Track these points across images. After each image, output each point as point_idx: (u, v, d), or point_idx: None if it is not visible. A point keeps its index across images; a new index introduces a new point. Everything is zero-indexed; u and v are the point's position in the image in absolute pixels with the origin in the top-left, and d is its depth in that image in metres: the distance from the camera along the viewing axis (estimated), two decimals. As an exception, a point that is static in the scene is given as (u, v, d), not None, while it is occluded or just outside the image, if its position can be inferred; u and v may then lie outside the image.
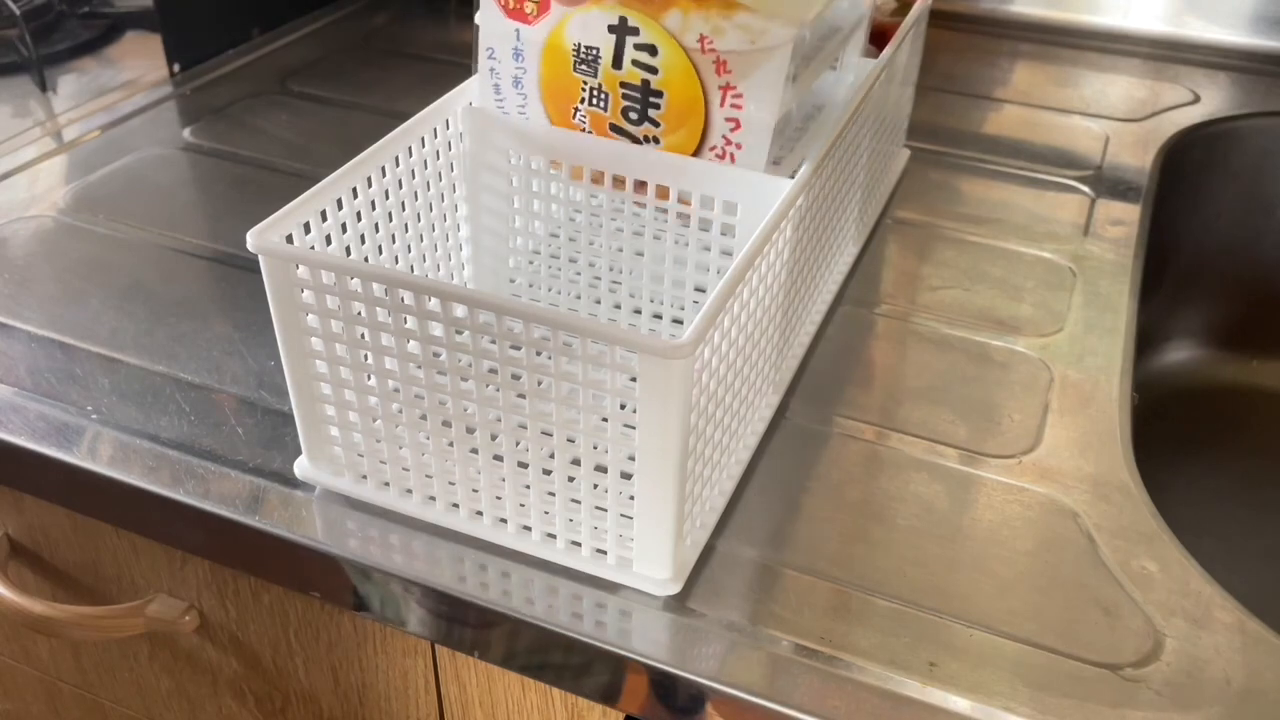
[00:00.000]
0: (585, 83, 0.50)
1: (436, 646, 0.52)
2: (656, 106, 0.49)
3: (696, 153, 0.50)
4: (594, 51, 0.49)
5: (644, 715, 0.44)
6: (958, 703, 0.41)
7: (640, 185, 0.51)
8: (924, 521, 0.48)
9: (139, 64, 0.85)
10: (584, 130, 0.51)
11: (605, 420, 0.40)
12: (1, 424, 0.53)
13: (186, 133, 0.80)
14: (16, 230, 0.68)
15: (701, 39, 0.46)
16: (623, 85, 0.49)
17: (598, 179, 0.52)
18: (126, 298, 0.62)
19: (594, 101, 0.50)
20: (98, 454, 0.51)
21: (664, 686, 0.43)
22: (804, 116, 0.52)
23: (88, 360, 0.57)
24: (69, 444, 0.52)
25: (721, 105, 0.47)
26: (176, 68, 0.87)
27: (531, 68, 0.51)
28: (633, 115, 0.50)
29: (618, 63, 0.48)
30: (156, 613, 0.57)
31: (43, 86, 0.79)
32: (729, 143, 0.48)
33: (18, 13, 0.77)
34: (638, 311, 0.56)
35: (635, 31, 0.47)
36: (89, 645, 0.65)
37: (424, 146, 0.51)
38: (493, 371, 0.41)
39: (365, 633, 0.54)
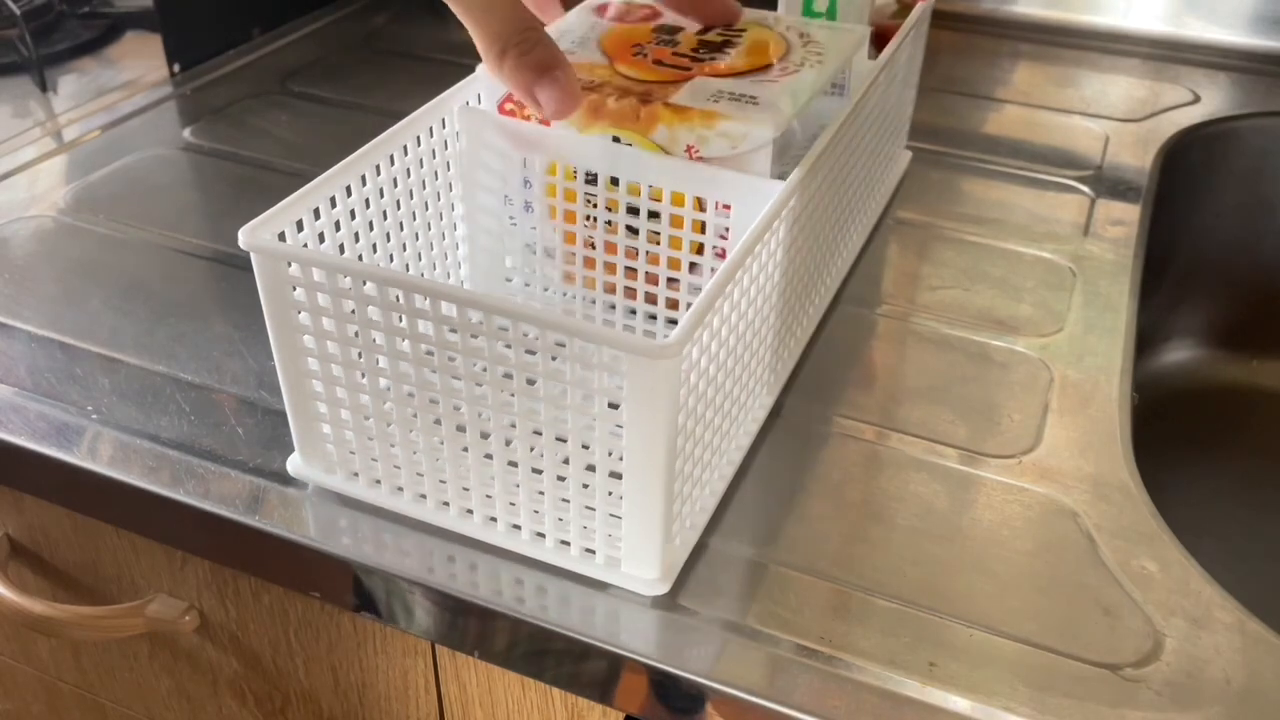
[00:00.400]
0: (590, 199, 0.53)
1: (436, 646, 0.52)
2: (656, 216, 0.52)
3: (694, 269, 0.53)
4: (593, 174, 0.52)
5: (642, 715, 0.44)
6: (958, 703, 0.41)
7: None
8: (924, 521, 0.48)
9: (139, 64, 0.85)
10: (593, 246, 0.55)
11: (594, 420, 0.41)
12: (1, 424, 0.53)
13: (186, 133, 0.80)
14: (16, 230, 0.68)
15: (689, 149, 0.50)
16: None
17: (611, 288, 0.56)
18: (126, 298, 0.62)
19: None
20: (98, 454, 0.51)
21: (659, 685, 0.43)
22: (809, 137, 0.53)
23: (88, 360, 0.57)
24: (69, 444, 0.52)
25: (716, 209, 0.50)
26: (176, 68, 0.87)
27: (539, 191, 0.55)
28: (634, 225, 0.53)
29: (616, 180, 0.52)
30: (156, 613, 0.57)
31: (43, 86, 0.80)
32: (723, 237, 0.51)
33: (18, 13, 0.77)
34: (633, 312, 0.56)
35: (629, 147, 0.51)
36: (89, 645, 0.65)
37: (419, 145, 0.52)
38: (483, 370, 0.41)
39: (365, 633, 0.54)
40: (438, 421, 0.44)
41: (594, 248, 0.55)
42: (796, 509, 0.49)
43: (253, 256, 0.43)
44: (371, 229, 0.50)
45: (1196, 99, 0.88)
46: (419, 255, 0.53)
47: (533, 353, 0.40)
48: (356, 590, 0.48)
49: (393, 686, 0.56)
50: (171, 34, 0.86)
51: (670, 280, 0.54)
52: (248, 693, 0.61)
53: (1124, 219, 0.72)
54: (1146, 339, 0.88)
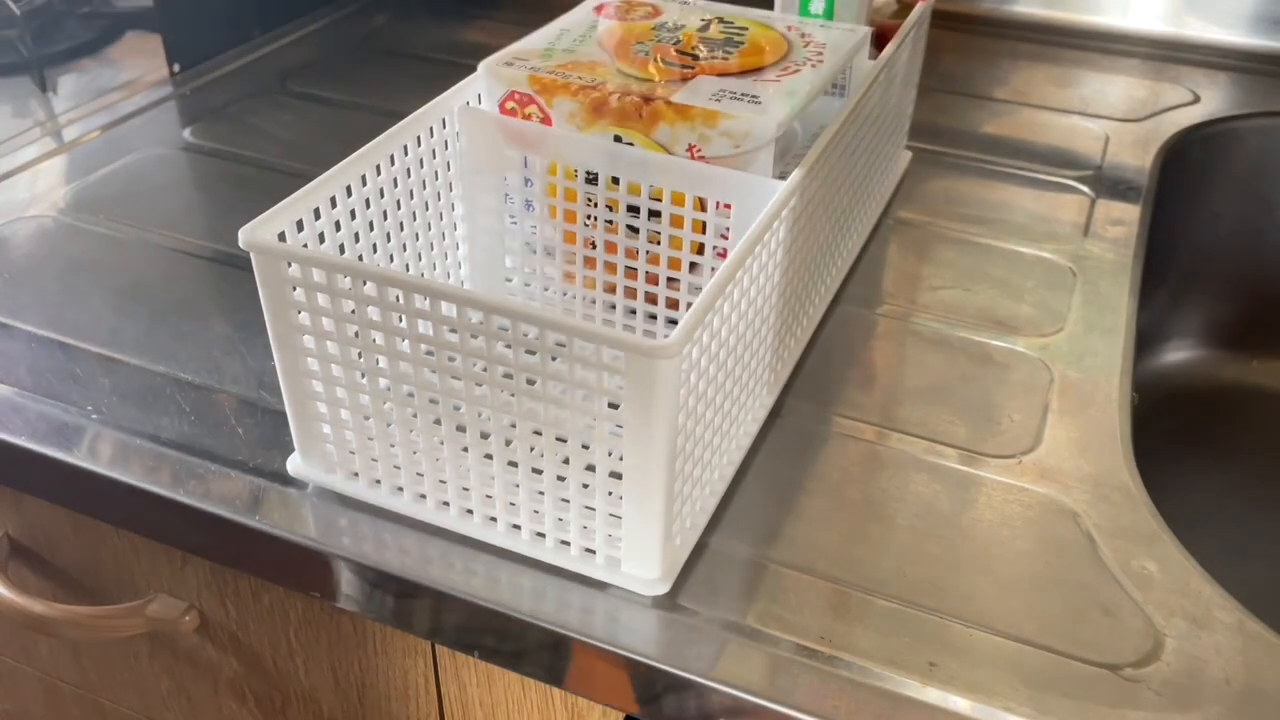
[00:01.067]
0: (590, 199, 0.53)
1: (436, 646, 0.52)
2: (656, 215, 0.52)
3: (694, 269, 0.53)
4: (593, 173, 0.53)
5: (642, 715, 0.44)
6: (958, 703, 0.41)
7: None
8: (924, 521, 0.48)
9: (139, 64, 0.85)
10: (593, 246, 0.55)
11: (594, 420, 0.41)
12: (1, 424, 0.53)
13: (186, 133, 0.80)
14: (16, 230, 0.68)
15: (690, 148, 0.50)
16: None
17: (611, 287, 0.56)
18: (126, 298, 0.62)
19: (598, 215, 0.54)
20: (98, 454, 0.51)
21: (659, 684, 0.43)
22: (810, 137, 0.53)
23: (88, 360, 0.57)
24: (69, 444, 0.52)
25: (717, 209, 0.51)
26: (176, 68, 0.87)
27: (539, 191, 0.55)
28: (634, 225, 0.53)
29: (617, 179, 0.52)
30: (156, 613, 0.57)
31: (43, 86, 0.80)
32: (724, 237, 0.51)
33: (18, 13, 0.77)
34: (633, 312, 0.56)
35: (630, 147, 0.51)
36: (89, 645, 0.65)
37: (419, 145, 0.52)
38: (483, 370, 0.41)
39: (365, 633, 0.54)
40: (438, 421, 0.44)
41: (594, 247, 0.55)
42: (796, 509, 0.49)
43: (253, 256, 0.43)
44: (371, 229, 0.50)
45: (1196, 99, 0.88)
46: (419, 255, 0.53)
47: (533, 353, 0.40)
48: (356, 590, 0.48)
49: (393, 686, 0.56)
50: (171, 34, 0.86)
51: (670, 280, 0.54)
52: (248, 693, 0.61)
53: (1124, 219, 0.72)
54: (1146, 339, 0.88)
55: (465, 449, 0.44)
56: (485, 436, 0.44)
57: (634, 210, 0.53)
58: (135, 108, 0.83)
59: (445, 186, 0.54)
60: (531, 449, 0.43)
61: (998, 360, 0.59)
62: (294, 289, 0.43)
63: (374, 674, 0.56)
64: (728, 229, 0.51)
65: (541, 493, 0.44)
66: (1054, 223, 0.71)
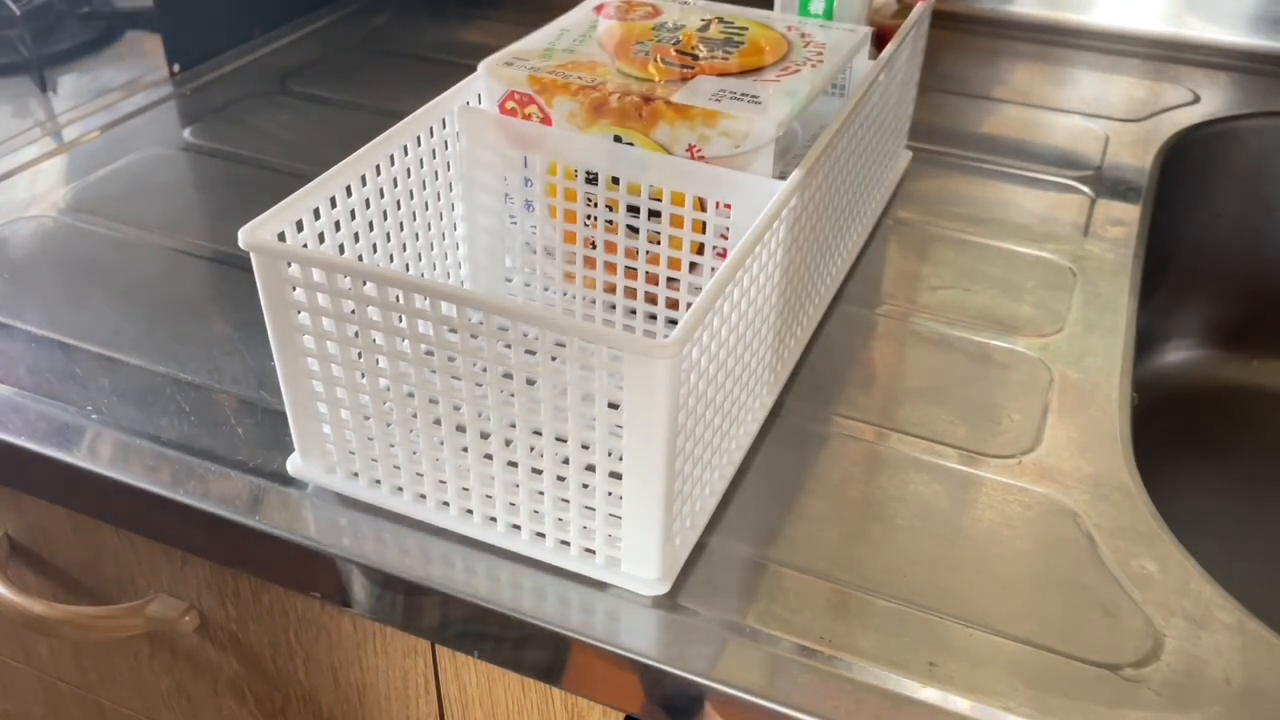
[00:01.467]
0: (590, 199, 0.53)
1: (436, 646, 0.52)
2: (656, 215, 0.52)
3: (694, 269, 0.53)
4: (593, 173, 0.53)
5: (642, 714, 0.44)
6: (957, 703, 0.41)
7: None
8: (924, 521, 0.48)
9: (139, 64, 0.85)
10: (593, 246, 0.55)
11: (594, 420, 0.41)
12: (1, 424, 0.53)
13: (186, 133, 0.80)
14: (16, 230, 0.68)
15: (690, 148, 0.50)
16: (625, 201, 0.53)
17: (611, 287, 0.56)
18: (126, 298, 0.62)
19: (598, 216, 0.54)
20: (98, 454, 0.51)
21: (659, 684, 0.43)
22: (810, 137, 0.53)
23: (88, 360, 0.57)
24: (69, 444, 0.52)
25: (717, 209, 0.51)
26: (176, 68, 0.87)
27: (539, 191, 0.55)
28: (634, 225, 0.53)
29: (617, 179, 0.52)
30: (156, 613, 0.57)
31: (43, 86, 0.80)
32: (724, 237, 0.51)
33: (18, 13, 0.77)
34: (633, 312, 0.56)
35: (630, 147, 0.51)
36: (89, 645, 0.65)
37: (419, 145, 0.52)
38: (483, 370, 0.42)
39: (365, 633, 0.54)
40: (438, 421, 0.44)
41: (594, 247, 0.55)
42: (796, 509, 0.49)
43: (253, 256, 0.43)
44: (371, 229, 0.50)
45: (1196, 99, 0.88)
46: (419, 255, 0.53)
47: (533, 353, 0.40)
48: (357, 590, 0.48)
49: (393, 686, 0.56)
50: (171, 34, 0.86)
51: (670, 280, 0.54)
52: (248, 693, 0.61)
53: (1124, 219, 0.72)
54: (1146, 339, 0.88)
55: (465, 449, 0.44)
56: (485, 436, 0.44)
57: (634, 210, 0.53)
58: (135, 108, 0.83)
59: (445, 186, 0.54)
60: (531, 449, 0.43)
61: (998, 360, 0.59)
62: (294, 289, 0.43)
63: (374, 674, 0.56)
64: (728, 229, 0.51)
65: (541, 493, 0.44)
66: (1054, 223, 0.71)
